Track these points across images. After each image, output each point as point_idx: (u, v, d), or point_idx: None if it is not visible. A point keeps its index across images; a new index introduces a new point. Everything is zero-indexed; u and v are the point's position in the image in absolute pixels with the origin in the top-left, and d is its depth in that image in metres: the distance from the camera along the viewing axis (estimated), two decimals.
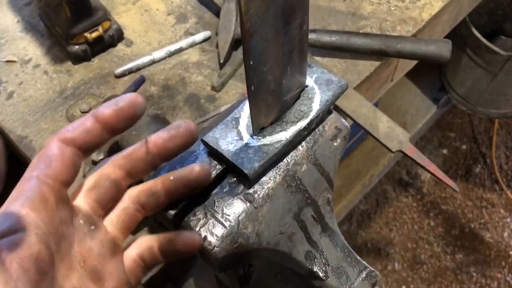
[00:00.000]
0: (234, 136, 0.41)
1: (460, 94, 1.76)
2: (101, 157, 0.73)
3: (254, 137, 0.41)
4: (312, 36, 0.84)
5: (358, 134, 1.56)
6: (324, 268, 0.43)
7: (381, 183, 1.85)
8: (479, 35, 1.52)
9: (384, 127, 0.79)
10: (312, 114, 0.42)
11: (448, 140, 1.97)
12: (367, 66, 0.85)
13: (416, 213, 1.83)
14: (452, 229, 1.80)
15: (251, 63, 0.35)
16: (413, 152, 0.77)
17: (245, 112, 0.43)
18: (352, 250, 0.45)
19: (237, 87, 0.84)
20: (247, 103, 0.43)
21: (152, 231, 0.72)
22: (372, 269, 0.45)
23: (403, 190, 1.86)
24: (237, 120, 0.42)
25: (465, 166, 1.92)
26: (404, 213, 1.83)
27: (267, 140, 0.41)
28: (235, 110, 0.43)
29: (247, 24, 0.32)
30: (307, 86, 0.44)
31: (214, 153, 0.41)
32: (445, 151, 1.95)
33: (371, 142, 1.63)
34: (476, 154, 1.94)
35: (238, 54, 0.86)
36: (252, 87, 0.37)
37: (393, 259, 1.74)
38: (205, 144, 0.41)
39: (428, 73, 1.82)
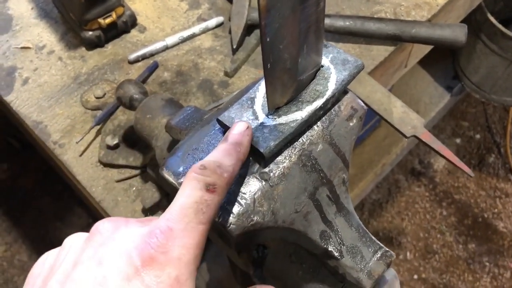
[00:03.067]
0: (249, 116, 0.41)
1: (474, 82, 1.74)
2: (116, 141, 0.74)
3: (269, 116, 0.41)
4: (325, 21, 0.83)
5: (371, 123, 1.55)
6: (339, 248, 0.43)
7: (393, 172, 1.84)
8: (494, 21, 1.50)
9: (399, 112, 0.78)
10: (328, 93, 0.42)
11: (461, 129, 1.95)
12: (381, 51, 0.84)
13: (429, 202, 1.82)
14: (465, 218, 1.79)
15: (268, 40, 0.35)
16: (427, 137, 0.77)
17: (260, 92, 0.43)
18: (367, 231, 0.45)
19: (250, 73, 0.84)
20: (262, 83, 0.43)
21: None
22: (387, 249, 0.45)
23: (416, 179, 1.85)
24: (252, 99, 0.42)
25: (479, 155, 1.90)
26: (416, 202, 1.82)
27: (283, 119, 0.41)
28: (251, 90, 0.43)
29: (264, 1, 0.32)
30: (323, 66, 0.43)
31: None
32: (458, 141, 1.93)
33: (383, 130, 1.62)
34: (490, 144, 1.92)
35: (251, 39, 0.86)
36: (268, 65, 0.37)
37: (405, 248, 1.74)
38: (220, 123, 0.42)
39: (441, 61, 1.80)
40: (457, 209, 1.80)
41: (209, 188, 0.34)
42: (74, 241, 0.36)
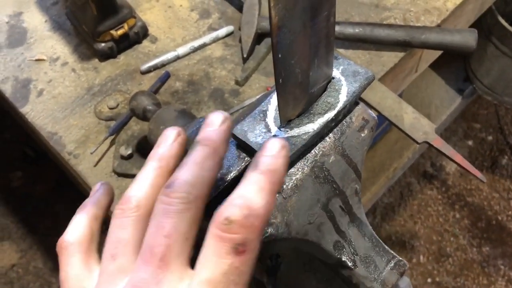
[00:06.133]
0: (262, 129, 0.42)
1: (486, 84, 1.73)
2: (129, 151, 0.75)
3: (281, 129, 0.42)
4: (335, 29, 0.84)
5: (382, 127, 1.55)
6: (352, 258, 0.44)
7: (405, 176, 1.83)
8: (505, 24, 1.49)
9: (410, 118, 0.78)
10: (339, 105, 0.42)
11: (473, 131, 1.94)
12: (391, 58, 0.85)
13: (441, 205, 1.81)
14: (479, 221, 1.77)
15: (279, 56, 0.35)
16: (439, 143, 0.77)
17: (272, 105, 0.43)
18: (380, 240, 0.46)
19: (260, 81, 0.84)
20: (274, 96, 0.43)
21: None
22: (400, 258, 0.45)
23: (428, 182, 1.84)
24: (264, 112, 0.43)
25: (491, 157, 1.89)
26: (429, 205, 1.81)
27: (295, 132, 0.41)
28: (262, 103, 0.44)
29: (275, 18, 0.33)
30: (333, 78, 0.44)
31: (243, 146, 0.42)
32: (470, 143, 1.92)
33: (394, 134, 1.61)
34: (503, 145, 1.91)
35: (261, 48, 0.86)
36: (280, 80, 0.37)
37: (418, 252, 1.73)
38: (234, 137, 0.42)
39: (453, 63, 1.79)
40: (470, 211, 1.79)
41: (239, 248, 0.27)
42: None
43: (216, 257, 0.27)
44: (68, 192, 1.76)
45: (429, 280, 1.69)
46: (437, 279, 1.69)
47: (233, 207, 0.29)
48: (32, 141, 1.64)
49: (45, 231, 1.72)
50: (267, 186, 0.30)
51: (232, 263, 0.27)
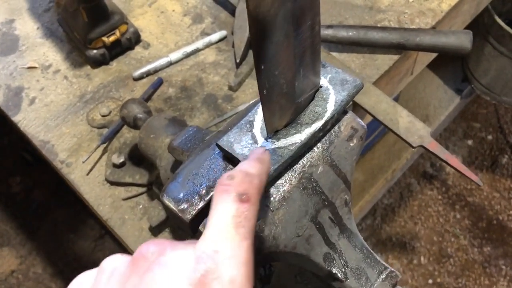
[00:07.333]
0: (248, 140, 0.41)
1: (484, 84, 1.72)
2: (122, 159, 0.74)
3: (268, 140, 0.41)
4: (328, 32, 0.83)
5: (380, 129, 1.54)
6: (343, 270, 0.43)
7: (405, 176, 1.82)
8: (502, 24, 1.48)
9: (405, 122, 0.77)
10: (327, 115, 0.42)
11: (473, 131, 1.93)
12: (386, 60, 0.84)
13: (442, 205, 1.80)
14: (479, 221, 1.76)
15: (262, 67, 0.35)
16: (434, 146, 0.76)
17: (259, 115, 0.43)
18: (372, 251, 0.45)
19: (254, 86, 0.84)
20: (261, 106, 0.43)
21: (173, 232, 0.72)
22: (392, 269, 0.44)
23: (428, 182, 1.83)
24: (251, 123, 0.42)
25: (491, 156, 1.88)
26: (429, 206, 1.80)
27: (282, 143, 0.40)
28: (249, 113, 0.43)
29: (256, 29, 0.32)
30: (321, 87, 0.43)
31: (229, 157, 0.41)
32: (470, 142, 1.91)
33: (393, 136, 1.59)
34: (503, 144, 1.90)
35: None
36: (264, 91, 0.37)
37: (419, 253, 1.72)
38: (220, 148, 0.41)
39: (450, 64, 1.78)
40: (471, 211, 1.78)
41: (242, 198, 0.31)
42: (116, 265, 0.33)
43: (224, 205, 0.32)
44: (67, 197, 1.75)
45: (430, 281, 1.68)
46: (438, 280, 1.68)
47: (233, 171, 0.34)
48: (30, 145, 1.64)
49: (44, 237, 1.72)
50: (258, 164, 0.35)
51: (238, 207, 0.31)
